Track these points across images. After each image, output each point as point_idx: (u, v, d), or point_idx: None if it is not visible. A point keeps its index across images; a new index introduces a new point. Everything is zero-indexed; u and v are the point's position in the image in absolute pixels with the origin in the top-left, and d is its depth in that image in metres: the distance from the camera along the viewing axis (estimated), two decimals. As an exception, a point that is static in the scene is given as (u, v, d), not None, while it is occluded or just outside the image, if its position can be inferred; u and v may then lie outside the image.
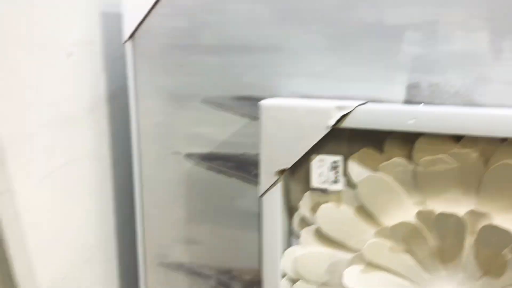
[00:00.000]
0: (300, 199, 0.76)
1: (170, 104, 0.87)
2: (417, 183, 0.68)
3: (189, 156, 0.89)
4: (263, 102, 0.72)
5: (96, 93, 0.93)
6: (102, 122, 0.96)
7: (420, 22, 0.68)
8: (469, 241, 0.65)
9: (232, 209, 0.88)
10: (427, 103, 0.70)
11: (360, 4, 0.71)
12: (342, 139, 0.71)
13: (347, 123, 0.67)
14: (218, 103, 0.84)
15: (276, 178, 0.73)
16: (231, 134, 0.84)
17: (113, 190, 1.00)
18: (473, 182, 0.65)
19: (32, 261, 0.78)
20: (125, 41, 0.86)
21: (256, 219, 0.85)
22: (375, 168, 0.69)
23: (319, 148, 0.71)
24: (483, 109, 0.65)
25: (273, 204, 0.75)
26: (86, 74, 0.90)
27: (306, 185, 0.75)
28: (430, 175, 0.66)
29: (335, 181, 0.70)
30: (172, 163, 0.90)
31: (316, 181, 0.71)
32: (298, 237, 0.78)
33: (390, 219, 0.70)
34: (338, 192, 0.72)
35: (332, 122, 0.67)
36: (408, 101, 0.71)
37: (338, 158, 0.70)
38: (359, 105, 0.66)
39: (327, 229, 0.73)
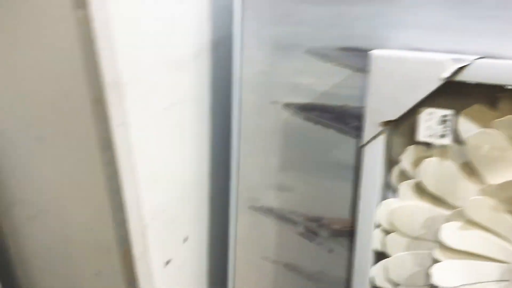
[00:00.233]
0: (401, 153, 0.76)
1: (273, 54, 0.89)
2: (530, 143, 0.66)
3: (288, 106, 0.91)
4: (374, 52, 0.72)
5: (202, 40, 0.97)
6: (205, 68, 1.00)
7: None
8: None
9: (327, 159, 0.90)
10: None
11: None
12: (452, 93, 0.70)
13: (462, 77, 0.66)
14: (322, 54, 0.85)
15: (380, 129, 0.74)
16: (332, 85, 0.85)
17: (210, 135, 1.05)
18: None
19: (139, 193, 0.85)
20: (234, -10, 0.89)
21: (350, 171, 0.87)
22: (486, 125, 0.68)
23: (427, 101, 0.70)
24: None
25: (375, 155, 0.76)
26: (194, 21, 0.94)
27: (409, 139, 0.75)
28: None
29: (443, 135, 0.70)
30: (270, 112, 0.93)
31: (423, 134, 0.71)
32: (394, 190, 0.80)
33: (497, 178, 0.69)
34: (443, 147, 0.71)
35: (446, 74, 0.66)
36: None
37: (449, 112, 0.69)
38: (477, 58, 0.65)
39: (428, 183, 0.74)
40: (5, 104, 0.82)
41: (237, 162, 0.99)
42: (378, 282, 0.82)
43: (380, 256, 0.84)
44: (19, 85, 0.80)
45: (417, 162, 0.74)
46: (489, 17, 0.70)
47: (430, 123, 0.70)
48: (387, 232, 0.80)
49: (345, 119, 0.86)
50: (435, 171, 0.72)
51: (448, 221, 0.73)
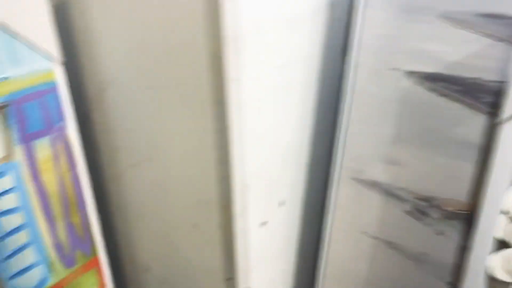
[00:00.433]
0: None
1: (399, 16, 0.82)
2: None
3: (410, 74, 0.84)
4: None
5: (321, -1, 0.92)
6: (320, 29, 0.95)
7: None
8: None
9: (448, 135, 0.83)
10: None
11: None
12: None
13: None
14: (458, 19, 0.76)
15: (523, 107, 0.65)
16: (466, 55, 0.77)
17: (318, 98, 1.01)
18: None
19: (245, 150, 0.83)
20: None
21: (474, 150, 0.79)
22: None
23: None
24: None
25: (512, 136, 0.68)
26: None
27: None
28: None
29: None
30: (389, 79, 0.87)
31: None
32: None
33: None
34: None
35: None
36: None
37: None
38: None
39: None
40: (120, 54, 0.84)
41: (345, 130, 0.95)
42: (497, 273, 0.75)
43: (501, 245, 0.76)
44: (137, 36, 0.80)
45: None
46: None
47: None
48: (513, 221, 0.72)
49: (477, 93, 0.77)
50: None
51: None
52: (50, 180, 0.86)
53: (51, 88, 0.83)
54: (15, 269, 0.83)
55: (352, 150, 0.96)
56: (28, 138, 0.81)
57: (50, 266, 0.90)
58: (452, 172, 0.84)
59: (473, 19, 0.74)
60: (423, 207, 0.89)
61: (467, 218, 0.79)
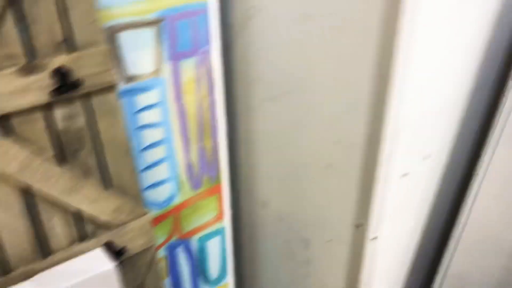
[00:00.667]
0: None
1: None
2: None
3: None
4: None
5: None
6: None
7: None
8: None
9: None
10: None
11: None
12: None
13: None
14: None
15: None
16: None
17: (483, 56, 0.89)
18: None
19: (404, 90, 0.74)
20: None
21: None
22: None
23: None
24: None
25: None
26: None
27: None
28: None
29: None
30: None
31: None
32: None
33: None
34: None
35: None
36: None
37: None
38: None
39: None
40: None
41: None
42: None
43: None
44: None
45: None
46: None
47: None
48: None
49: None
50: None
51: None
52: (190, 102, 0.88)
53: (203, 9, 0.82)
54: (148, 182, 0.87)
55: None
56: (176, 57, 0.82)
57: (179, 185, 0.93)
58: None
59: None
60: None
61: None
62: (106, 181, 0.75)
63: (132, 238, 0.79)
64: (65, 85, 0.66)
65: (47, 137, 0.68)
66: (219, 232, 1.05)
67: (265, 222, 1.05)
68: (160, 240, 0.94)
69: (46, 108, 0.67)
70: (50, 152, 0.68)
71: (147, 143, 0.85)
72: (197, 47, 0.85)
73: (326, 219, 0.85)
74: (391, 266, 0.86)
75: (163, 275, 0.90)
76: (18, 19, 0.60)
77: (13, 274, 0.68)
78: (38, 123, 0.66)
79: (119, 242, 0.77)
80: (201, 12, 0.82)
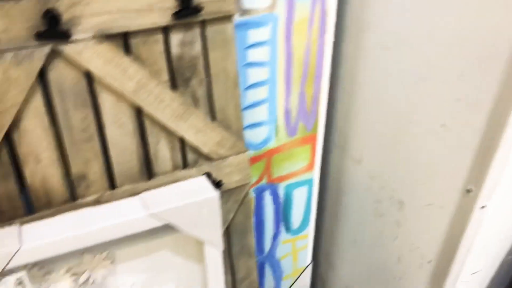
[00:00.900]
0: None
1: None
2: None
3: None
4: None
5: None
6: None
7: None
8: None
9: None
10: None
11: None
12: None
13: None
14: None
15: None
16: None
17: None
18: None
19: None
20: None
21: None
22: None
23: None
24: None
25: None
26: None
27: None
28: None
29: None
30: None
31: None
32: None
33: None
34: None
35: None
36: None
37: None
38: None
39: None
40: None
41: None
42: None
43: None
44: None
45: None
46: None
47: None
48: None
49: None
50: None
51: None
52: (299, 43, 0.85)
53: None
54: (248, 122, 0.87)
55: None
56: (293, -6, 0.79)
57: (275, 129, 0.92)
58: None
59: None
60: None
61: None
62: (212, 113, 0.75)
63: (229, 173, 0.79)
64: (187, 8, 0.65)
65: (163, 61, 0.68)
66: (307, 182, 1.03)
67: (355, 178, 1.02)
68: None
69: (166, 31, 0.66)
70: (164, 77, 0.69)
71: (251, 82, 0.84)
72: (314, -14, 0.81)
73: (429, 182, 0.80)
74: (493, 240, 0.81)
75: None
76: None
77: (119, 190, 0.71)
78: (156, 45, 0.66)
79: (216, 175, 0.78)
80: None
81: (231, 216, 0.82)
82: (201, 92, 0.73)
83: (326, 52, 0.89)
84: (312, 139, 0.98)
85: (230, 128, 0.77)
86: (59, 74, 0.62)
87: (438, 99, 0.75)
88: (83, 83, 0.64)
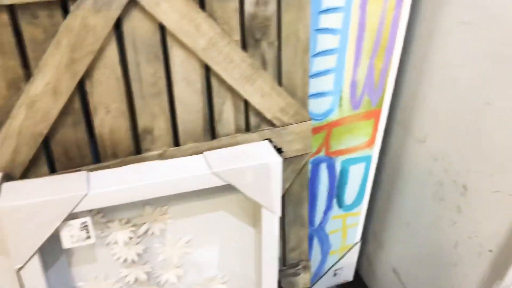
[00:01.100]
0: None
1: None
2: None
3: None
4: None
5: None
6: None
7: None
8: None
9: None
10: None
11: None
12: None
13: None
14: None
15: None
16: None
17: None
18: None
19: None
20: None
21: None
22: None
23: None
24: None
25: None
26: None
27: None
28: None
29: None
30: None
31: None
32: None
33: None
34: None
35: None
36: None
37: None
38: None
39: None
40: None
41: None
42: None
43: None
44: None
45: None
46: None
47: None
48: None
49: None
50: None
51: None
52: (374, 12, 0.81)
53: None
54: (312, 91, 0.85)
55: None
56: (373, -42, 0.75)
57: (339, 101, 0.89)
58: None
59: None
60: None
61: None
62: (279, 78, 0.74)
63: (290, 141, 0.78)
64: (265, -34, 0.63)
65: (236, 20, 0.67)
66: (365, 159, 1.01)
67: (416, 158, 0.98)
68: (309, 152, 0.93)
69: (242, -12, 0.65)
70: (236, 36, 0.67)
71: (320, 49, 0.81)
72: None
73: (499, 168, 0.76)
74: None
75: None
76: None
77: (182, 147, 0.71)
78: (231, 2, 0.65)
79: (277, 142, 0.76)
80: None
81: (287, 184, 0.81)
82: (270, 54, 0.71)
83: (401, 25, 0.85)
84: (375, 115, 0.95)
85: (296, 95, 0.76)
86: (135, 25, 0.62)
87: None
88: (156, 36, 0.64)
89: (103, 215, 0.66)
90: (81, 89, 0.63)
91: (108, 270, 0.69)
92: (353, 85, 0.88)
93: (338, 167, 0.99)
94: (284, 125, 0.76)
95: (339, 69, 0.85)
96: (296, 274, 0.91)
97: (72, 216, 0.60)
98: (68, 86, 0.61)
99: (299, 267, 0.91)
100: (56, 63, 0.59)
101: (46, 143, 0.64)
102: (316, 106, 0.88)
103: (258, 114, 0.75)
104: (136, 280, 0.71)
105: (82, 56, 0.60)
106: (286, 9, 0.69)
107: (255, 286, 0.81)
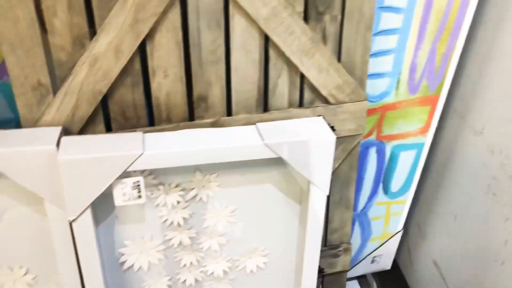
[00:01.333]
0: None
1: None
2: None
3: None
4: None
5: None
6: None
7: None
8: None
9: None
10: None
11: None
12: None
13: None
14: None
15: None
16: None
17: None
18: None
19: None
20: None
21: None
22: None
23: None
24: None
25: None
26: None
27: None
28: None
29: None
30: None
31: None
32: None
33: None
34: None
35: None
36: None
37: None
38: None
39: None
40: None
41: None
42: None
43: None
44: None
45: None
46: None
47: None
48: None
49: None
50: None
51: None
52: (443, -8, 0.77)
53: None
54: (370, 70, 0.82)
55: None
56: None
57: (396, 83, 0.86)
58: None
59: None
60: None
61: None
62: (338, 54, 0.72)
63: (344, 120, 0.76)
64: None
65: (301, -10, 0.65)
66: (417, 146, 0.98)
67: (471, 150, 0.94)
68: (360, 134, 0.91)
69: (309, -42, 0.63)
70: (299, 7, 0.66)
71: (382, 28, 0.79)
72: None
73: None
74: None
75: (354, 168, 0.88)
76: None
77: (235, 117, 0.71)
78: (297, -28, 0.64)
79: (330, 120, 0.75)
80: None
81: (337, 164, 0.80)
82: (332, 29, 0.70)
83: (469, 8, 0.81)
84: (433, 101, 0.92)
85: (354, 73, 0.74)
86: (199, -10, 0.62)
87: None
88: (219, 3, 0.63)
89: (154, 177, 0.67)
90: (142, 51, 0.64)
91: (154, 232, 0.71)
92: (413, 68, 0.85)
93: (388, 153, 0.97)
94: (339, 103, 0.75)
95: (400, 50, 0.82)
96: (336, 256, 0.91)
97: (125, 174, 0.61)
98: (130, 46, 0.61)
99: (340, 249, 0.90)
100: (120, 23, 0.60)
101: (104, 102, 0.66)
102: (372, 87, 0.85)
103: (313, 89, 0.73)
104: (180, 243, 0.72)
105: (146, 17, 0.60)
106: (352, -17, 0.67)
107: (295, 263, 0.81)
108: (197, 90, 0.69)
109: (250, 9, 0.63)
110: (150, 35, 0.62)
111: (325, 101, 0.75)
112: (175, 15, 0.62)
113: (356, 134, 0.79)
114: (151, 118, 0.69)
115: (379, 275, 1.24)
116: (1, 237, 0.67)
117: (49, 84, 0.62)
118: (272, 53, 0.69)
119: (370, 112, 0.88)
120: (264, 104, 0.73)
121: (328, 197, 0.84)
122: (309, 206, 0.71)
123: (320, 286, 0.96)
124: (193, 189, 0.69)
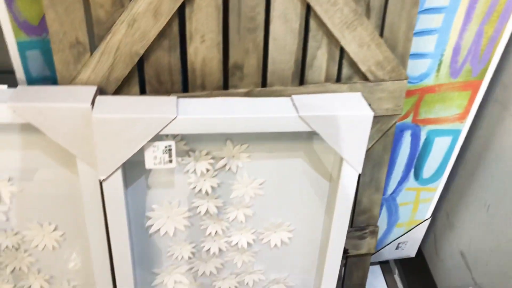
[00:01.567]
0: None
1: None
2: None
3: None
4: None
5: None
6: None
7: None
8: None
9: None
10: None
11: None
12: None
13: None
14: None
15: None
16: None
17: None
18: None
19: None
20: None
21: None
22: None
23: None
24: None
25: None
26: None
27: None
28: None
29: None
30: None
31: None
32: None
33: None
34: None
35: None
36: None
37: None
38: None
39: None
40: None
41: None
42: None
43: None
44: None
45: None
46: None
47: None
48: None
49: None
50: None
51: None
52: (496, -30, 0.73)
53: None
54: (411, 49, 0.79)
55: None
56: None
57: (438, 65, 0.83)
58: None
59: None
60: None
61: None
62: (381, 29, 0.69)
63: (381, 99, 0.74)
64: None
65: (347, -41, 0.63)
66: (453, 132, 0.95)
67: (510, 140, 0.91)
68: (395, 116, 0.88)
69: None
70: (344, -23, 0.64)
71: (428, 6, 0.75)
72: None
73: None
74: None
75: (386, 150, 0.85)
76: None
77: (270, 88, 0.70)
78: None
79: (367, 97, 0.73)
80: None
81: (371, 144, 0.78)
82: (376, 2, 0.67)
83: (524, -12, 0.77)
84: (474, 86, 0.88)
85: (396, 49, 0.71)
86: (243, -48, 0.60)
87: None
88: (263, -33, 0.61)
89: (186, 143, 0.66)
90: (180, 14, 0.63)
91: (182, 198, 0.71)
92: (456, 50, 0.82)
93: (422, 137, 0.94)
94: (378, 80, 0.73)
95: (444, 31, 0.79)
96: (362, 238, 0.89)
97: (157, 137, 0.61)
98: (169, 8, 0.60)
99: (367, 231, 0.89)
100: (161, -17, 0.59)
101: (140, 64, 0.65)
102: (412, 67, 0.83)
103: (352, 64, 0.71)
104: (206, 212, 0.72)
105: (187, -21, 0.59)
106: (402, -46, 0.64)
107: (320, 241, 0.80)
108: (233, 58, 0.67)
109: (293, -24, 0.61)
110: (190, -3, 0.61)
111: (364, 77, 0.72)
112: (216, -22, 0.61)
113: (393, 115, 0.76)
114: (185, 84, 0.69)
115: (402, 262, 1.22)
116: (33, 194, 0.68)
117: (87, 42, 0.61)
118: (312, 24, 0.67)
119: (408, 93, 0.85)
120: (300, 77, 0.71)
121: (359, 177, 0.82)
122: (339, 184, 0.69)
123: (343, 267, 0.95)
124: (223, 158, 0.68)
